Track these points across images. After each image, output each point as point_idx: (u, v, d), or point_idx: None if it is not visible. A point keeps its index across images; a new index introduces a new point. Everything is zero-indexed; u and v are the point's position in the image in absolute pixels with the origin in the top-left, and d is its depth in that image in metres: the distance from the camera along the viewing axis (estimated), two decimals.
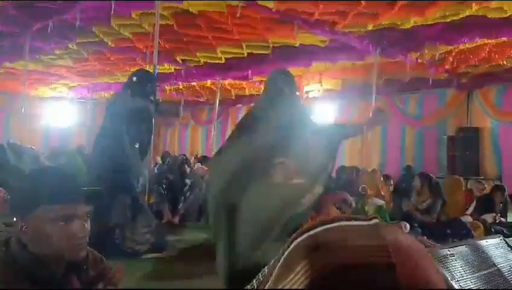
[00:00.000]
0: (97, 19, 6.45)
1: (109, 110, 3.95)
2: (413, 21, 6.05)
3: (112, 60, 8.85)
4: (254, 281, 0.67)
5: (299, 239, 0.58)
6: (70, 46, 7.74)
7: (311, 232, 0.59)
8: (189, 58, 8.71)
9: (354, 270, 0.52)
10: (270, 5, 5.67)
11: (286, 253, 0.58)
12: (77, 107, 13.71)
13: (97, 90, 12.03)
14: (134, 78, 4.01)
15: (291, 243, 0.59)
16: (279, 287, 0.56)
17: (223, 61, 8.66)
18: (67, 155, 6.08)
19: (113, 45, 7.79)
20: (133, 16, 6.31)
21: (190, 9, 6.12)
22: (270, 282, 0.58)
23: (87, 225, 1.23)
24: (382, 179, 6.74)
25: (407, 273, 0.52)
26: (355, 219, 0.59)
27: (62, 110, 13.62)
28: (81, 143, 10.46)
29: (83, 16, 5.99)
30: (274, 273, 0.58)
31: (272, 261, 0.61)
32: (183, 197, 5.79)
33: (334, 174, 8.24)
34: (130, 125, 3.70)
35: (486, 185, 6.34)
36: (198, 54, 8.31)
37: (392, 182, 7.15)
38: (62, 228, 1.17)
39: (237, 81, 10.43)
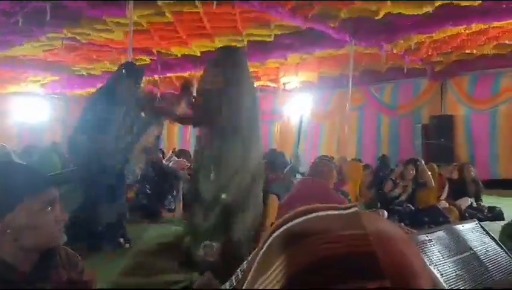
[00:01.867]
0: (69, 19, 6.32)
1: (96, 101, 3.86)
2: (387, 11, 6.08)
3: (85, 52, 8.65)
4: (233, 277, 0.65)
5: (277, 232, 0.57)
6: (41, 38, 7.52)
7: (289, 225, 0.57)
8: (164, 51, 8.60)
9: (335, 261, 0.51)
10: None
11: (264, 247, 0.56)
12: (50, 103, 13.38)
13: (71, 85, 11.75)
14: (124, 71, 3.95)
15: (270, 236, 0.58)
16: (259, 282, 0.54)
17: (198, 55, 8.58)
18: (41, 152, 5.93)
19: (85, 41, 7.65)
20: (105, 19, 6.21)
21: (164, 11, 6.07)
22: (249, 278, 0.56)
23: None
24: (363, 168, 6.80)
25: (389, 261, 0.51)
26: (334, 208, 0.58)
27: (35, 107, 13.28)
28: (55, 139, 10.21)
29: (53, 13, 5.82)
30: (253, 269, 0.56)
31: (250, 256, 0.59)
32: (173, 191, 5.70)
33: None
34: (121, 115, 3.64)
35: (454, 168, 6.44)
36: (172, 48, 8.23)
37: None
38: (49, 213, 1.18)
39: None
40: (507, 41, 7.61)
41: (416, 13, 6.03)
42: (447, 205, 5.51)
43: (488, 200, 6.21)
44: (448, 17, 6.26)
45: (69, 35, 7.25)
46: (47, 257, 1.23)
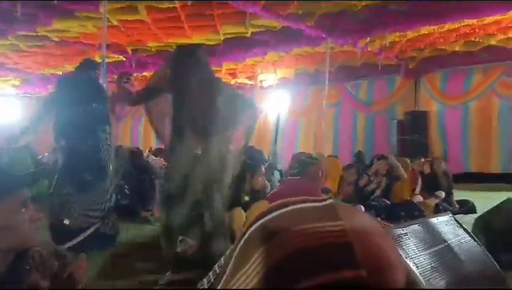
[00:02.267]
0: (40, 18, 6.16)
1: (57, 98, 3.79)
2: (363, 7, 6.14)
3: (58, 53, 8.46)
4: (210, 273, 0.64)
5: (254, 227, 0.56)
6: (11, 37, 7.32)
7: (266, 218, 0.57)
8: (140, 48, 8.47)
9: (312, 252, 0.50)
10: None
11: (242, 242, 0.56)
12: (22, 102, 13.04)
13: (43, 84, 11.46)
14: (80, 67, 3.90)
15: (246, 231, 0.57)
16: (238, 276, 0.54)
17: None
18: (13, 153, 5.75)
19: (58, 40, 7.47)
20: (78, 15, 6.08)
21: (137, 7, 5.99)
22: (227, 272, 0.56)
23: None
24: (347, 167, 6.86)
25: (365, 252, 0.51)
26: (310, 201, 0.57)
27: (6, 107, 12.92)
28: (28, 140, 9.95)
29: (25, 11, 5.67)
30: (231, 263, 0.55)
31: (228, 251, 0.58)
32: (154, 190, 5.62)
33: (288, 162, 8.37)
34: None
35: (424, 163, 6.57)
36: (150, 44, 8.10)
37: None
38: (23, 214, 1.17)
39: None
40: (477, 39, 7.80)
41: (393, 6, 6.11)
42: (422, 199, 5.61)
43: (460, 194, 6.36)
44: (423, 16, 6.38)
45: (41, 33, 7.08)
46: (21, 259, 1.20)
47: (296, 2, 6.02)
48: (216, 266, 0.64)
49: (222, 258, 0.62)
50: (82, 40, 7.44)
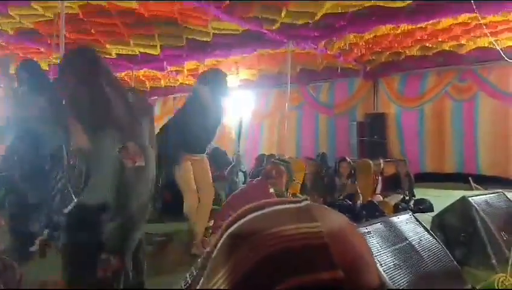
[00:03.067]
0: None
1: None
2: (323, 11, 6.26)
3: (11, 50, 8.09)
4: (187, 275, 0.64)
5: (228, 231, 0.56)
6: None
7: (242, 221, 0.57)
8: (99, 50, 8.25)
9: (289, 254, 0.51)
10: None
11: (218, 245, 0.56)
12: None
13: None
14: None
15: (221, 235, 0.57)
16: (214, 280, 0.54)
17: (136, 53, 8.35)
18: None
19: (12, 33, 7.14)
20: (34, 5, 5.82)
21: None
22: (204, 276, 0.55)
23: None
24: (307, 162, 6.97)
25: (340, 252, 0.52)
26: (286, 203, 0.58)
27: None
28: None
29: None
30: (208, 267, 0.55)
31: (205, 253, 0.58)
32: None
33: (252, 163, 8.42)
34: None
35: (382, 163, 6.77)
36: (108, 46, 7.91)
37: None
38: None
39: (151, 72, 10.11)
40: (430, 45, 8.14)
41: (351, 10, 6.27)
42: (381, 198, 5.78)
43: (418, 193, 6.59)
44: (379, 17, 6.59)
45: None
46: None
47: (256, 5, 6.06)
48: (193, 267, 0.64)
49: (199, 260, 0.62)
50: (38, 28, 7.08)
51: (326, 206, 0.60)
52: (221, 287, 0.53)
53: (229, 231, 0.56)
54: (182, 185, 3.86)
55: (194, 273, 0.61)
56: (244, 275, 0.52)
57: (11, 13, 6.15)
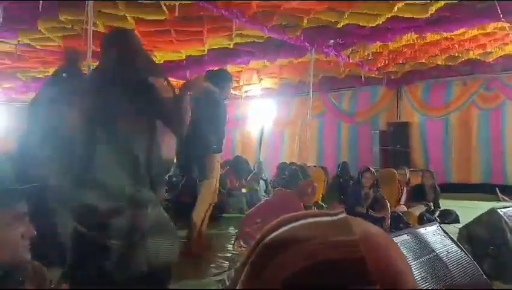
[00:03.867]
0: (23, 21, 6.05)
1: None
2: (346, 21, 6.24)
3: (41, 57, 8.32)
4: (225, 277, 0.64)
5: (265, 240, 0.56)
6: None
7: (278, 231, 0.57)
8: None
9: (325, 268, 0.51)
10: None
11: (253, 256, 0.55)
12: (5, 110, 12.76)
13: (25, 92, 11.23)
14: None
15: (257, 244, 0.57)
16: None
17: (161, 62, 8.46)
18: None
19: (40, 48, 7.37)
20: (62, 19, 5.98)
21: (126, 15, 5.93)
22: (238, 286, 0.55)
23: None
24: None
25: (377, 266, 0.51)
26: (322, 215, 0.58)
27: None
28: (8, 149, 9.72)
29: (6, 15, 5.56)
30: (242, 278, 0.55)
31: (239, 266, 0.58)
32: None
33: (274, 171, 8.40)
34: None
35: (408, 173, 6.66)
36: None
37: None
38: (16, 229, 1.15)
39: (176, 81, 10.25)
40: (456, 54, 8.00)
41: (370, 25, 6.22)
42: (406, 208, 5.68)
43: (443, 204, 6.45)
44: (403, 28, 6.51)
45: (25, 41, 6.97)
46: (14, 271, 1.18)
47: (279, 14, 6.08)
48: (226, 277, 0.64)
49: (232, 270, 0.62)
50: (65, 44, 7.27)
51: (362, 219, 0.59)
52: None
53: (265, 241, 0.56)
54: (209, 186, 3.87)
55: (227, 283, 0.61)
56: (279, 287, 0.52)
57: (40, 28, 6.33)
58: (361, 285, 0.50)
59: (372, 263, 0.51)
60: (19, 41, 6.95)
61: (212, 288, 2.30)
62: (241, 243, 3.40)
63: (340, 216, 0.56)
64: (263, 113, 11.76)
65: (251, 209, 3.94)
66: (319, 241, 0.53)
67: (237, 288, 0.57)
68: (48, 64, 8.57)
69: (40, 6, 5.13)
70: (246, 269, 0.56)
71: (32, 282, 1.25)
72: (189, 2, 5.49)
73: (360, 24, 6.28)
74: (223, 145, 4.02)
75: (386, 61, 8.39)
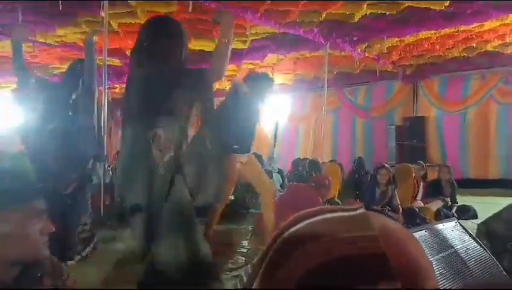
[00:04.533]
0: (39, 23, 6.14)
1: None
2: (361, 14, 6.17)
3: (57, 52, 8.43)
4: (238, 281, 0.64)
5: (283, 235, 0.55)
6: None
7: (296, 227, 0.56)
8: None
9: (345, 263, 0.50)
10: None
11: (271, 251, 0.55)
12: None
13: None
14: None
15: (275, 240, 0.56)
16: (268, 287, 0.53)
17: None
18: (13, 158, 5.71)
19: (57, 44, 7.46)
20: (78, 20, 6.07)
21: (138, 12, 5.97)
22: (257, 280, 0.55)
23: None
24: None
25: (399, 261, 0.50)
26: (341, 210, 0.57)
27: (3, 112, 12.82)
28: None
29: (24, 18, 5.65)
30: (260, 272, 0.54)
31: (256, 262, 0.57)
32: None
33: (288, 167, 8.39)
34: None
35: (425, 168, 6.57)
36: None
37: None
38: (35, 225, 1.15)
39: None
40: (474, 45, 7.85)
41: (389, 12, 6.12)
42: (422, 204, 5.61)
43: (460, 200, 6.37)
44: (419, 22, 6.41)
45: (41, 40, 7.08)
46: (32, 266, 1.19)
47: (295, 9, 6.04)
48: (243, 272, 0.63)
49: (249, 266, 0.61)
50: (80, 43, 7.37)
51: (381, 214, 0.58)
52: None
53: (283, 236, 0.55)
54: (230, 186, 3.87)
55: (244, 279, 0.60)
56: (297, 283, 0.51)
57: (58, 32, 6.44)
58: (383, 282, 0.49)
59: (392, 258, 0.50)
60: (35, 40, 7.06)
61: (227, 289, 2.29)
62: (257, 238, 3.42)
63: (358, 211, 0.55)
64: (277, 109, 11.73)
65: None
66: (338, 236, 0.52)
67: (255, 284, 0.56)
68: (64, 60, 8.68)
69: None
70: (263, 265, 0.55)
71: (50, 277, 1.26)
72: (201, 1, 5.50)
73: (379, 12, 6.16)
74: (249, 146, 3.95)
75: (402, 55, 8.28)
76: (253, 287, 0.56)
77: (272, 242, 0.56)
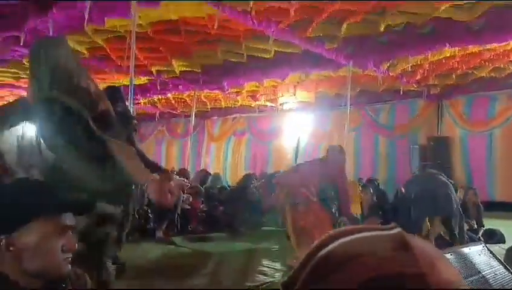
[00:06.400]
0: (70, 27, 6.28)
1: None
2: (384, 28, 6.14)
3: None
4: None
5: (322, 252, 0.55)
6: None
7: (331, 247, 0.56)
8: (164, 69, 8.59)
9: (385, 282, 0.50)
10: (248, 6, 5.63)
11: (308, 268, 0.55)
12: None
13: None
14: None
15: (312, 257, 0.56)
16: None
17: (198, 70, 8.57)
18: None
19: (86, 54, 7.62)
20: (108, 23, 6.20)
21: (169, 16, 6.10)
22: None
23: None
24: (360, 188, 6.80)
25: (435, 281, 0.50)
26: (377, 229, 0.57)
27: None
28: None
29: (55, 25, 5.83)
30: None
31: (287, 280, 0.58)
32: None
33: None
34: None
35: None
36: (174, 61, 8.15)
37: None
38: (57, 240, 1.13)
39: (213, 93, 10.41)
40: (501, 65, 7.72)
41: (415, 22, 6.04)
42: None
43: (486, 223, 6.20)
44: (444, 38, 6.34)
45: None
46: (53, 281, 1.18)
47: (316, 23, 6.06)
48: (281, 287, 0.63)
49: (284, 281, 0.61)
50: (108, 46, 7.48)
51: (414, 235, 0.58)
52: None
53: (319, 255, 0.55)
54: None
55: None
56: None
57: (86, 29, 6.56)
58: None
59: (430, 278, 0.50)
60: None
61: None
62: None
63: (395, 230, 0.55)
64: (299, 127, 11.72)
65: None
66: (378, 255, 0.52)
67: None
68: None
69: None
70: (300, 279, 0.55)
71: (73, 287, 1.26)
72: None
73: (404, 22, 6.10)
74: None
75: (426, 74, 8.19)
76: None
77: (305, 262, 0.56)
